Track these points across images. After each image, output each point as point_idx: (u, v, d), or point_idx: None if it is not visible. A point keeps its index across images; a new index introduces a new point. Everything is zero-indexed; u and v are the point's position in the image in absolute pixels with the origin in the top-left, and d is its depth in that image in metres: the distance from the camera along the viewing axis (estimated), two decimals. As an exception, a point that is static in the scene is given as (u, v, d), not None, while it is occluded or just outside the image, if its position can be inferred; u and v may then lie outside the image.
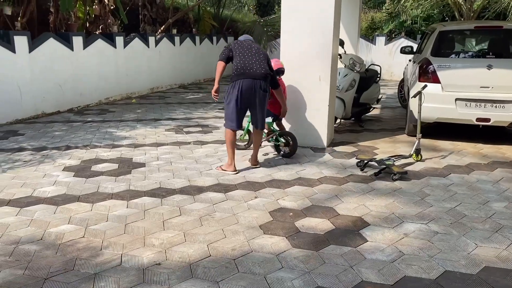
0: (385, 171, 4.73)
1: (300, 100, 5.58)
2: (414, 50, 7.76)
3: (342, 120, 7.01)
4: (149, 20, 13.48)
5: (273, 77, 4.83)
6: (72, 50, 8.60)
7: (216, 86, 4.87)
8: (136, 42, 10.73)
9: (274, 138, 5.36)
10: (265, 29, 15.18)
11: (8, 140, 6.18)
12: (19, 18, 8.29)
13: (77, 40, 8.73)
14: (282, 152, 5.40)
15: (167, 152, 5.65)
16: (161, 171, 4.86)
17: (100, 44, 9.40)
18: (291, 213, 3.73)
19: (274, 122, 5.44)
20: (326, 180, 4.58)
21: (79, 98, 8.83)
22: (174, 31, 12.98)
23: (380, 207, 3.89)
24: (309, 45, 5.38)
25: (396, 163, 4.92)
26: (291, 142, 5.29)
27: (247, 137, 5.69)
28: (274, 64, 5.09)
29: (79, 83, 8.79)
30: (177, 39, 12.57)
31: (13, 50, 7.23)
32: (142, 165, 5.10)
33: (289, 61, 5.52)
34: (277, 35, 15.46)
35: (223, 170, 4.82)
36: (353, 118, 7.21)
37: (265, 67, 4.68)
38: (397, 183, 4.50)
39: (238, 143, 5.43)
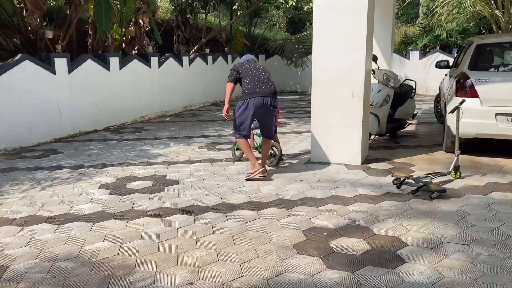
0: (422, 189, 4.57)
1: (333, 117, 5.51)
2: (450, 64, 7.56)
3: (376, 136, 6.88)
4: (182, 40, 13.82)
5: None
6: (109, 71, 8.88)
7: (226, 106, 5.40)
8: (170, 62, 10.98)
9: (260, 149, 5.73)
10: (296, 46, 15.24)
11: (48, 158, 6.39)
12: (59, 41, 8.67)
13: (114, 61, 9.02)
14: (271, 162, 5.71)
15: (199, 169, 5.68)
16: (194, 188, 4.89)
17: (135, 64, 9.67)
18: (325, 233, 3.65)
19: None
20: (361, 198, 4.47)
21: (115, 116, 9.08)
22: (207, 50, 13.23)
23: (418, 226, 3.75)
24: (342, 60, 5.33)
25: (434, 181, 4.76)
26: (276, 151, 5.67)
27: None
28: None
29: (115, 102, 9.04)
30: (209, 58, 12.79)
31: (53, 71, 7.54)
32: (176, 182, 5.15)
33: (322, 77, 5.48)
34: (308, 51, 15.49)
35: (251, 174, 5.14)
36: (388, 134, 7.06)
37: (273, 85, 5.16)
38: (436, 201, 4.34)
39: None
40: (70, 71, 7.91)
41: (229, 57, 14.05)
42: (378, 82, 6.60)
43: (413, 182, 4.71)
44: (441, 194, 4.45)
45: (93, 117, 8.52)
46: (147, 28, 10.76)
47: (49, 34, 7.71)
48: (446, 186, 4.75)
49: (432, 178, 4.74)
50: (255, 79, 5.09)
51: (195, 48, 12.99)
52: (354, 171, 5.40)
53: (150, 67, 10.19)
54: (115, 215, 4.13)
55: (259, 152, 5.73)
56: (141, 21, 10.70)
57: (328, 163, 5.69)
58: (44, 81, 7.40)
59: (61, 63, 7.68)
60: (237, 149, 6.09)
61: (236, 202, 4.41)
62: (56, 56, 7.63)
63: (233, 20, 14.87)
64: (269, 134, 5.35)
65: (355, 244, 3.42)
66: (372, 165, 5.64)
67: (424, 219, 3.91)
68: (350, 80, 5.34)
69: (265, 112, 5.11)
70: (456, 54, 8.49)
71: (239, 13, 15.32)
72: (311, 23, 20.15)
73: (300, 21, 17.78)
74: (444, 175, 4.97)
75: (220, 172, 5.54)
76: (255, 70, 5.17)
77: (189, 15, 14.08)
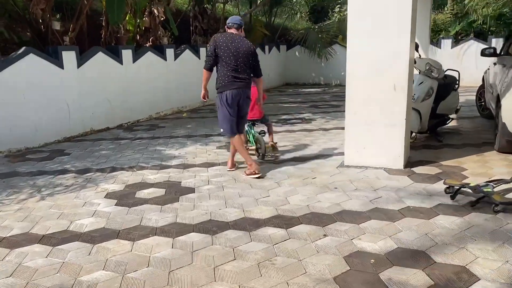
0: (483, 200, 3.83)
1: (371, 114, 4.79)
2: (498, 51, 6.72)
3: (417, 134, 6.11)
4: (200, 31, 13.17)
5: (256, 66, 4.89)
6: (122, 64, 8.31)
7: (203, 92, 5.10)
8: (187, 53, 10.36)
9: (252, 142, 5.68)
10: (319, 35, 14.43)
11: (53, 161, 5.85)
12: (69, 33, 8.11)
13: (127, 53, 8.44)
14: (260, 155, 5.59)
15: (218, 174, 5.05)
16: (212, 198, 4.25)
17: (150, 56, 9.08)
18: (372, 260, 2.96)
19: (253, 127, 5.75)
20: (409, 212, 3.76)
21: (128, 113, 8.52)
22: (225, 41, 12.55)
23: (488, 251, 3.02)
24: (383, 48, 4.59)
25: (496, 189, 4.00)
26: (259, 145, 5.58)
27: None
28: None
29: (128, 98, 8.47)
30: (228, 49, 12.11)
31: (61, 65, 6.99)
32: (191, 190, 4.52)
33: (358, 68, 4.76)
34: (332, 41, 14.67)
35: (248, 175, 4.89)
36: (428, 131, 6.28)
37: (249, 69, 4.81)
38: (501, 216, 3.60)
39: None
40: (79, 65, 7.35)
41: (249, 48, 13.32)
42: (419, 72, 5.82)
43: (471, 191, 3.97)
44: (507, 207, 3.70)
45: (105, 114, 7.97)
46: (162, 19, 10.14)
47: (57, 26, 7.16)
48: (511, 196, 4.00)
49: (493, 187, 3.98)
50: (232, 64, 4.70)
51: (213, 39, 12.31)
52: (397, 176, 4.67)
53: (166, 60, 9.59)
54: (120, 233, 3.52)
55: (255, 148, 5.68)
56: (155, 11, 10.08)
57: (365, 167, 4.97)
58: (51, 76, 6.86)
59: (69, 56, 7.13)
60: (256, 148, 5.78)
61: (261, 217, 3.75)
62: (64, 49, 7.08)
63: (252, 9, 14.16)
64: (240, 129, 5.06)
65: (412, 278, 2.73)
66: (417, 169, 4.90)
67: (493, 241, 3.18)
68: (392, 71, 4.60)
69: (242, 105, 4.88)
70: (504, 41, 7.61)
71: (259, 2, 14.58)
72: (334, 11, 19.29)
73: (323, 9, 16.93)
74: (508, 183, 4.20)
75: (241, 178, 4.89)
76: (234, 50, 4.67)
77: (207, 5, 13.40)
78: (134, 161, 5.76)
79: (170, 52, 9.73)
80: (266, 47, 14.57)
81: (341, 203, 3.99)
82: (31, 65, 6.50)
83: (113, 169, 5.38)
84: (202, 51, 10.93)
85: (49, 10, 7.50)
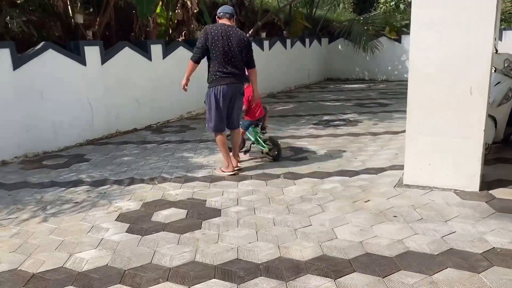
0: None
1: (440, 123, 3.87)
2: None
3: (491, 146, 5.10)
4: (237, 24, 12.44)
5: (252, 55, 4.64)
6: (150, 60, 7.69)
7: (184, 81, 4.87)
8: (221, 48, 9.62)
9: (260, 143, 5.27)
10: (365, 27, 13.35)
11: (69, 168, 5.28)
12: (96, 26, 7.57)
13: (156, 49, 7.82)
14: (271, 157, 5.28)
15: (250, 191, 4.29)
16: (240, 226, 3.50)
17: (181, 52, 8.42)
18: None
19: (256, 128, 5.32)
20: (497, 257, 2.85)
21: (158, 113, 7.90)
22: (263, 34, 11.76)
23: None
24: (458, 41, 3.65)
25: None
26: (271, 145, 5.26)
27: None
28: None
29: (158, 96, 7.85)
30: (266, 43, 11.33)
31: (83, 62, 6.43)
32: (217, 212, 3.79)
33: (424, 66, 3.83)
34: (378, 33, 13.57)
35: (223, 171, 4.81)
36: (503, 141, 5.25)
37: (242, 62, 4.56)
38: None
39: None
40: (103, 62, 6.78)
41: (288, 41, 12.50)
42: (495, 71, 4.81)
43: None
44: None
45: (132, 115, 7.39)
46: (195, 11, 9.46)
47: (79, 18, 6.61)
48: None
49: None
50: (224, 57, 4.44)
51: (249, 32, 11.56)
52: (472, 202, 3.74)
53: (198, 55, 8.89)
54: (125, 275, 2.82)
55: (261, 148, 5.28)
56: (189, 3, 9.41)
57: (430, 188, 4.06)
58: (72, 73, 6.32)
59: (92, 52, 6.56)
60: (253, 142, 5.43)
61: (301, 258, 2.95)
62: (86, 44, 6.51)
63: (292, 0, 13.25)
64: (235, 125, 4.88)
65: None
66: (496, 192, 3.94)
67: None
68: (468, 70, 3.66)
69: (234, 101, 4.66)
70: None
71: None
72: (379, 2, 18.02)
73: (368, 0, 15.78)
74: None
75: (277, 197, 4.11)
76: (226, 42, 4.40)
77: (245, -3, 12.64)
78: (157, 170, 5.10)
79: (203, 46, 9.02)
80: (307, 40, 13.66)
81: (404, 240, 3.13)
82: (50, 62, 5.97)
83: (132, 181, 4.73)
84: (238, 45, 10.17)
85: (71, 1, 6.96)
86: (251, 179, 4.69)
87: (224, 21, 4.55)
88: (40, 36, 6.93)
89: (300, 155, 5.58)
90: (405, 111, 4.14)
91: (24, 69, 5.64)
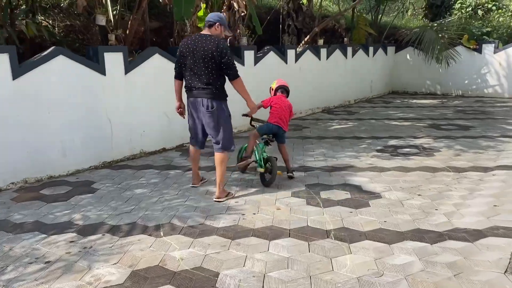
0: None
1: None
2: None
3: None
4: (293, 30, 11.23)
5: (228, 65, 4.06)
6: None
7: (176, 103, 4.50)
8: (270, 57, 8.44)
9: (261, 163, 4.70)
10: (440, 35, 11.58)
11: (67, 202, 4.26)
12: (128, 31, 6.65)
13: (192, 56, 6.73)
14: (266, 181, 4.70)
15: (283, 259, 3.01)
16: (260, 333, 2.22)
17: (223, 60, 7.29)
18: None
19: (265, 146, 4.85)
20: None
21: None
22: (321, 42, 10.43)
23: None
24: None
25: None
26: (270, 167, 4.65)
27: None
28: (279, 82, 5.16)
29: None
30: (323, 51, 9.98)
31: (102, 71, 5.47)
32: (230, 299, 2.54)
33: None
34: (454, 42, 11.75)
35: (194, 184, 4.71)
36: None
37: (210, 74, 4.08)
38: None
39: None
40: (127, 71, 5.79)
41: (349, 49, 11.06)
42: None
43: None
44: None
45: (161, 133, 6.35)
46: (242, 14, 8.36)
47: (101, 20, 5.68)
48: None
49: None
50: (192, 68, 4.14)
51: (305, 39, 10.29)
52: None
53: (243, 65, 7.76)
54: None
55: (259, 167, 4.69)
56: (236, 5, 8.32)
57: None
58: (89, 84, 5.37)
59: (113, 59, 5.59)
60: (242, 158, 4.99)
61: None
62: (107, 50, 5.54)
63: (354, 4, 11.81)
64: (221, 144, 4.25)
65: None
66: None
67: None
68: None
69: (200, 118, 4.28)
70: None
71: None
72: (453, 8, 16.06)
73: (443, 4, 13.92)
74: None
75: (323, 275, 2.79)
76: (192, 53, 4.09)
77: (303, 1, 11.40)
78: (170, 212, 3.94)
79: (249, 55, 7.88)
80: (371, 49, 12.13)
81: None
82: (60, 70, 5.05)
83: (132, 228, 3.61)
84: (290, 53, 8.93)
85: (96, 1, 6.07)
86: (289, 236, 3.40)
87: (205, 30, 4.20)
88: (53, 39, 6.08)
89: (358, 198, 4.21)
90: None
91: (27, 79, 4.74)
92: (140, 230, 3.57)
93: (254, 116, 4.81)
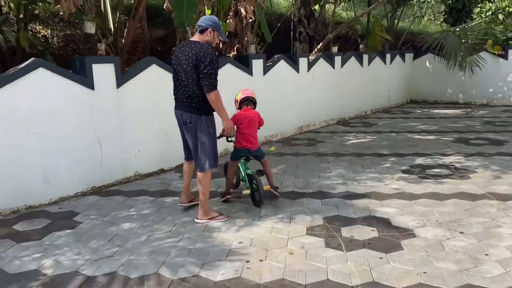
0: None
1: None
2: None
3: None
4: (305, 38, 10.55)
5: (204, 74, 3.63)
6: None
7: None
8: (281, 66, 7.75)
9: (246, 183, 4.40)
10: (463, 40, 10.79)
11: (40, 242, 3.59)
12: (124, 39, 6.03)
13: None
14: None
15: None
16: None
17: (229, 71, 6.64)
18: None
19: (246, 162, 4.50)
20: None
21: (193, 148, 6.13)
22: (335, 49, 9.72)
23: None
24: None
25: None
26: (255, 186, 4.28)
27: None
28: (244, 93, 4.53)
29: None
30: (337, 59, 9.27)
31: (90, 85, 4.84)
32: None
33: None
34: (478, 47, 10.95)
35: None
36: None
37: (190, 85, 3.75)
38: None
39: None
40: (120, 84, 5.15)
41: (365, 57, 10.34)
42: None
43: None
44: None
45: (159, 152, 5.69)
46: (250, 20, 7.70)
47: (90, 28, 5.05)
48: None
49: None
50: (177, 78, 3.89)
51: (318, 47, 9.59)
52: None
53: (251, 75, 7.10)
54: None
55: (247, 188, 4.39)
56: (243, 11, 7.67)
57: None
58: (74, 100, 4.73)
59: (103, 71, 4.96)
60: (222, 194, 4.60)
61: None
62: (95, 61, 4.90)
63: (369, 9, 11.08)
64: (197, 164, 3.95)
65: None
66: None
67: None
68: None
69: (183, 131, 3.99)
70: None
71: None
72: (473, 13, 15.24)
73: (464, 8, 13.12)
74: None
75: None
76: (180, 60, 3.78)
77: (315, 8, 10.72)
78: (159, 258, 3.26)
79: (257, 64, 7.21)
80: (388, 56, 11.39)
81: None
82: (40, 85, 4.42)
83: (111, 280, 2.93)
84: (302, 62, 8.25)
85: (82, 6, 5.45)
86: (304, 296, 2.68)
87: (195, 36, 3.84)
88: (35, 50, 5.47)
89: (388, 238, 3.47)
90: None
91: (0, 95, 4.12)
92: (119, 285, 2.88)
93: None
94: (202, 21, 3.82)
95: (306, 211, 4.16)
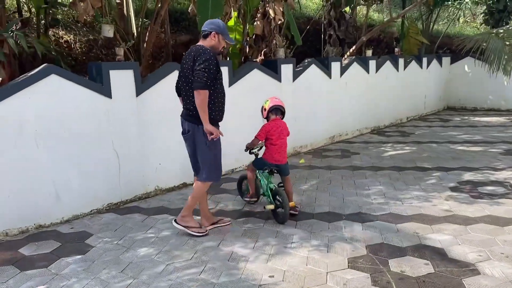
0: None
1: None
2: None
3: None
4: (335, 41, 10.01)
5: (197, 72, 3.42)
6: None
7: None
8: (312, 71, 7.24)
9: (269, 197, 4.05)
10: (507, 43, 10.02)
11: (46, 271, 3.19)
12: (145, 44, 5.65)
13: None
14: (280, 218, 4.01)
15: None
16: None
17: (256, 77, 6.20)
18: None
19: (270, 176, 4.13)
20: None
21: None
22: (369, 53, 9.15)
23: None
24: None
25: None
26: (278, 201, 3.98)
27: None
28: (273, 102, 4.20)
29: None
30: (372, 63, 8.69)
31: (107, 93, 4.46)
32: None
33: None
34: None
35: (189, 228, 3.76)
36: None
37: (187, 95, 3.62)
38: None
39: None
40: (139, 92, 4.76)
41: (400, 61, 9.71)
42: None
43: None
44: None
45: (181, 164, 5.25)
46: (279, 22, 7.23)
47: (107, 31, 4.68)
48: None
49: None
50: (181, 87, 3.74)
51: (351, 50, 9.05)
52: None
53: (280, 81, 6.62)
54: None
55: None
56: (271, 13, 7.21)
57: None
58: (90, 109, 4.36)
59: (121, 78, 4.57)
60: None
61: None
62: (112, 67, 4.52)
63: (404, 11, 10.45)
64: (201, 173, 3.71)
65: None
66: None
67: None
68: None
69: (184, 139, 3.84)
70: None
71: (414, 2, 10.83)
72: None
73: (506, 9, 12.28)
74: None
75: None
76: (182, 66, 3.64)
77: (345, 10, 10.18)
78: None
79: (286, 69, 6.73)
80: (424, 60, 10.72)
81: None
82: (53, 93, 4.06)
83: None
84: (335, 66, 7.71)
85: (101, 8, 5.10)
86: None
87: (199, 42, 3.67)
88: (51, 55, 5.14)
89: (445, 274, 2.91)
90: None
91: (8, 104, 3.77)
92: (129, 331, 2.44)
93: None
94: (205, 25, 3.65)
95: (346, 237, 3.64)
